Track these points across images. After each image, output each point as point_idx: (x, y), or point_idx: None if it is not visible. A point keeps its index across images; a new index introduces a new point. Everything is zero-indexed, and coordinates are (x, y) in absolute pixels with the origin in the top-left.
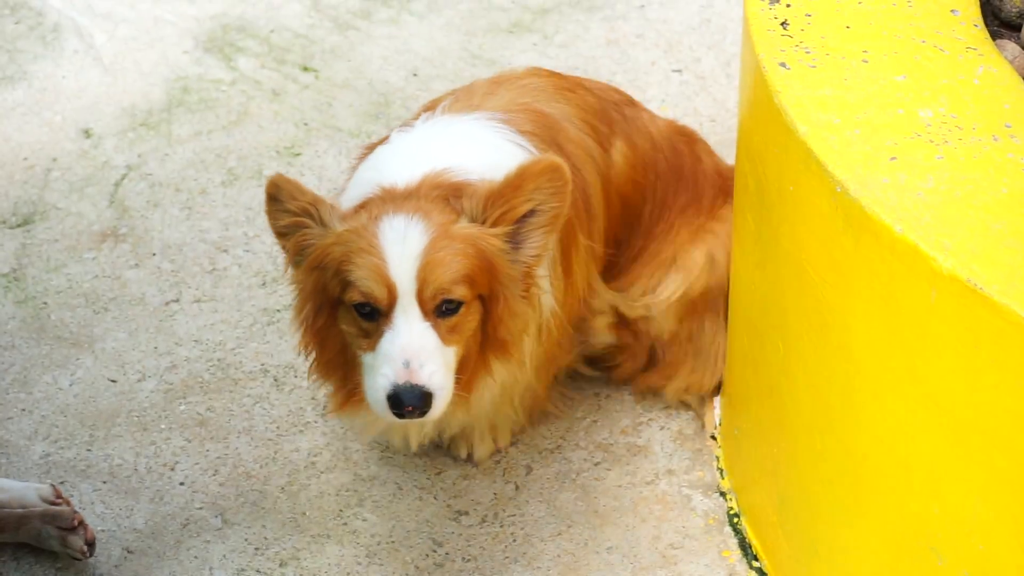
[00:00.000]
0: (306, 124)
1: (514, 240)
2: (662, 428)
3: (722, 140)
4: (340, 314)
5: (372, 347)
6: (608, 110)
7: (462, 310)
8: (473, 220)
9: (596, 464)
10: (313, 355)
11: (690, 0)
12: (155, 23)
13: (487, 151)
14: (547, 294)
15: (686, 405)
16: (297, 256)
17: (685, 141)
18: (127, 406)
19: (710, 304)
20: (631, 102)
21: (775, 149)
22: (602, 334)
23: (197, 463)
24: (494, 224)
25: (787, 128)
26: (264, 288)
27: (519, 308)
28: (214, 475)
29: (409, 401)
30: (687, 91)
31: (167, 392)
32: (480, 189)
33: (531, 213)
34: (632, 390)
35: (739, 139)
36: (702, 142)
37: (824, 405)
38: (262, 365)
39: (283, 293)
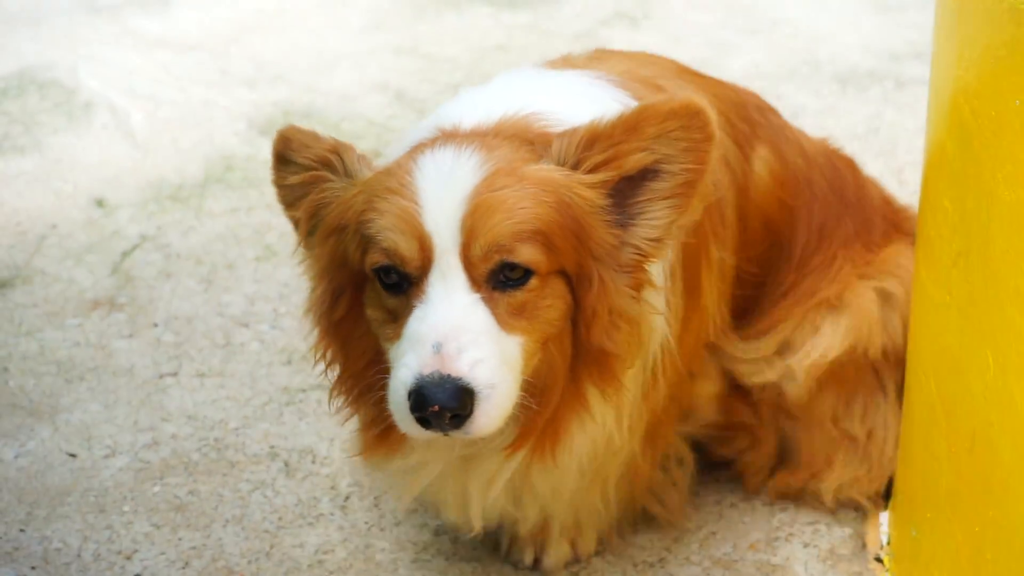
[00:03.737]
0: None
1: (622, 209)
2: (806, 545)
3: None
4: (367, 297)
5: (398, 334)
6: (750, 109)
7: (533, 283)
8: (561, 164)
9: None
10: (335, 366)
11: (853, 110)
12: (204, 106)
13: (590, 103)
14: (660, 316)
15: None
16: (312, 222)
17: (846, 163)
18: (83, 484)
19: (873, 372)
20: (775, 111)
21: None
22: (705, 407)
23: (163, 552)
24: (590, 171)
25: None
26: (289, 366)
27: (624, 301)
28: (183, 568)
29: (435, 398)
30: None
31: (139, 471)
32: (578, 129)
33: (651, 173)
34: (768, 493)
35: (934, 82)
36: (861, 170)
37: None
38: (271, 448)
39: (312, 372)
